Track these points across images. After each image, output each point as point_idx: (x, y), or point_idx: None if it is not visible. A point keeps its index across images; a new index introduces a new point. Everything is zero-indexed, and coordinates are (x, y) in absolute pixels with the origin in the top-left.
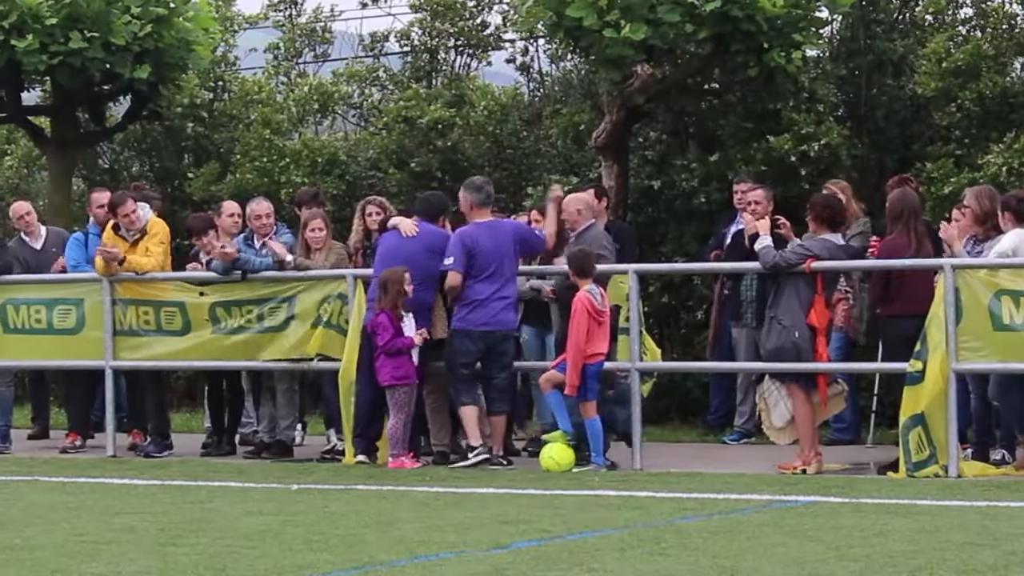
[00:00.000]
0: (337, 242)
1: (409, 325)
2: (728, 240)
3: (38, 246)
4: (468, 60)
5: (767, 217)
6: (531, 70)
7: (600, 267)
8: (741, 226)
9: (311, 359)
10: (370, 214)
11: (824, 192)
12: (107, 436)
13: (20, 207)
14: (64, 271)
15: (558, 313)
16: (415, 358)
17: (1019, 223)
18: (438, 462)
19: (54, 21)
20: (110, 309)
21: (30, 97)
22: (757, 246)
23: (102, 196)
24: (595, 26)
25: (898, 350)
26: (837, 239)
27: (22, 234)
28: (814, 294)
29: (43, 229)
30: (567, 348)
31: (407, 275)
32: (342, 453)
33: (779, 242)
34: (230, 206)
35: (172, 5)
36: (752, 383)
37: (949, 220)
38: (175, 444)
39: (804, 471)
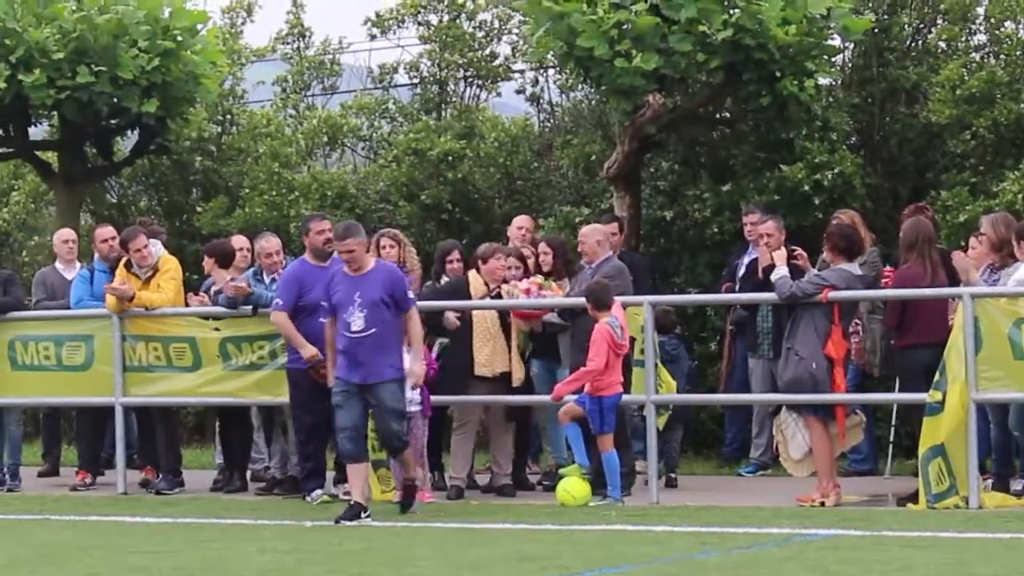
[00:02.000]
0: None
1: (414, 359)
2: (741, 271)
3: (69, 276)
4: (478, 91)
5: (783, 247)
6: (541, 101)
7: (618, 299)
8: (754, 256)
9: None
10: (383, 247)
11: (835, 222)
12: (118, 473)
13: (68, 232)
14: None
15: (570, 346)
16: (410, 394)
17: None
18: (452, 497)
19: (61, 55)
20: (119, 345)
21: (37, 132)
22: (773, 277)
23: (106, 231)
24: (606, 56)
25: (914, 380)
26: (854, 269)
27: (58, 262)
28: (831, 325)
29: (77, 263)
30: (584, 368)
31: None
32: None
33: (796, 273)
34: (239, 240)
35: (179, 38)
36: (769, 415)
37: (966, 249)
38: (186, 480)
39: (823, 503)
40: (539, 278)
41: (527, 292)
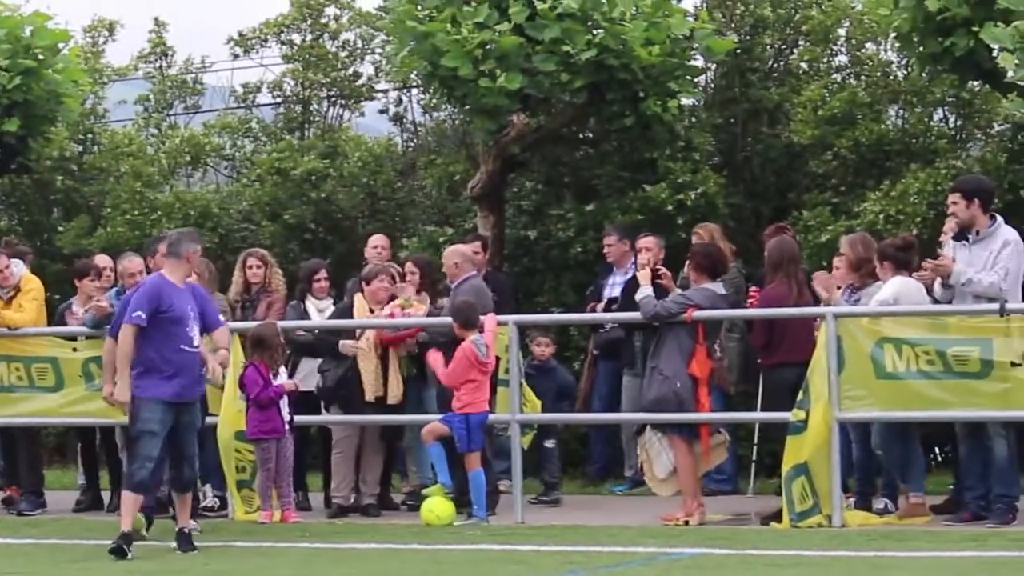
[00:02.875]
0: (219, 293)
1: (282, 380)
2: (607, 291)
3: None
4: (341, 111)
5: (648, 267)
6: (405, 120)
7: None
8: (630, 276)
9: None
10: (250, 267)
11: (695, 237)
12: None
13: None
14: None
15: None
16: (284, 411)
17: (899, 271)
18: (335, 515)
19: None
20: None
21: None
22: (637, 296)
23: None
24: (470, 76)
25: (780, 399)
26: (718, 288)
27: None
28: (695, 344)
29: None
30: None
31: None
32: (212, 509)
33: (660, 293)
34: (102, 260)
35: (41, 57)
36: (633, 434)
37: (830, 269)
38: (48, 501)
39: (687, 522)
40: (400, 299)
41: (391, 318)
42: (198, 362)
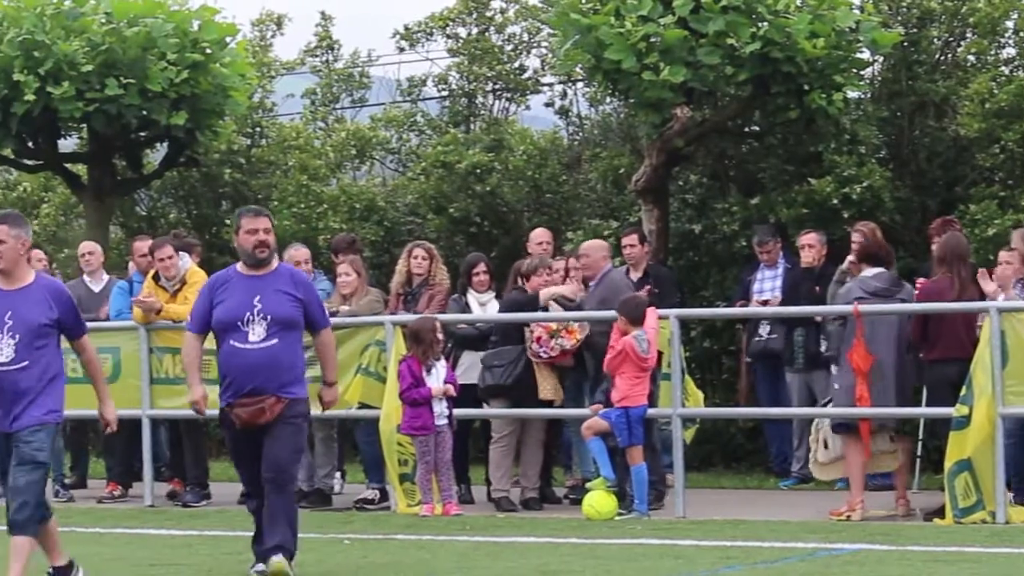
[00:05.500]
0: (374, 288)
1: (438, 375)
2: (761, 285)
3: (97, 289)
4: (506, 104)
5: (814, 264)
6: (570, 114)
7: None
8: (777, 271)
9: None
10: (415, 256)
11: (855, 234)
12: (145, 486)
13: (84, 245)
14: (107, 319)
15: (593, 361)
16: (438, 408)
17: None
18: (504, 508)
19: (90, 68)
20: (147, 358)
21: (67, 144)
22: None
23: (144, 245)
24: (634, 69)
25: (941, 394)
26: (867, 274)
27: (85, 275)
28: (854, 337)
29: (105, 275)
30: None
31: (439, 324)
32: (372, 501)
33: None
34: None
35: (208, 51)
36: (807, 424)
37: (995, 263)
38: (213, 493)
39: (849, 517)
40: (552, 324)
41: (538, 340)
42: (18, 384)
